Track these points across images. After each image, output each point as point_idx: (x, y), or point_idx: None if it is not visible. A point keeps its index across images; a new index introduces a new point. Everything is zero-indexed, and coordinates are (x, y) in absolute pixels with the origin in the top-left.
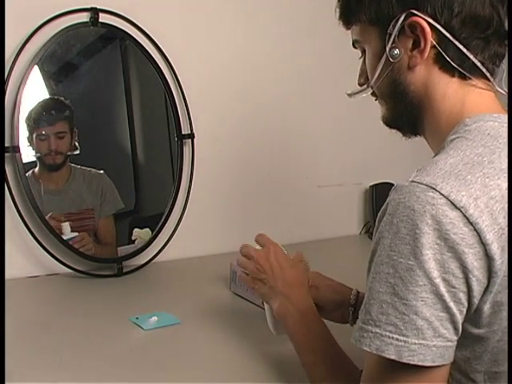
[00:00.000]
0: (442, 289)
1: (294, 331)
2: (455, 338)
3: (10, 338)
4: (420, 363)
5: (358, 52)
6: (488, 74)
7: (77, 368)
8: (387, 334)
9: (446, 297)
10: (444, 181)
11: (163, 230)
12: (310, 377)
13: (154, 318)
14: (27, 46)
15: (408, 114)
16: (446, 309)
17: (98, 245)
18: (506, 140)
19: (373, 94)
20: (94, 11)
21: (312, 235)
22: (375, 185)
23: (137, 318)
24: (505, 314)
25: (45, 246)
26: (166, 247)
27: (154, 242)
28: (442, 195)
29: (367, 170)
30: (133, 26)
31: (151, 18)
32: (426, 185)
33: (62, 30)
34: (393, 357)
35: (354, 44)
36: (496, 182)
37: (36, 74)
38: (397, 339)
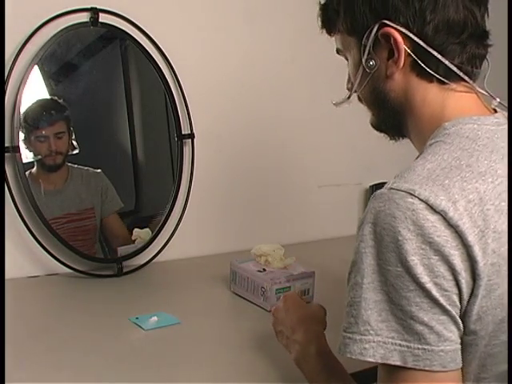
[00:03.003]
0: (436, 293)
1: (311, 379)
2: (459, 339)
3: (10, 337)
4: (427, 368)
5: None
6: (466, 77)
7: (77, 368)
8: (390, 340)
9: (442, 300)
10: (422, 186)
11: (163, 230)
12: None
13: (154, 318)
14: (27, 45)
15: (391, 119)
16: (446, 312)
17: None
18: (484, 142)
19: (359, 99)
20: (94, 11)
21: (312, 235)
22: (375, 185)
23: (137, 318)
24: (490, 318)
25: (45, 245)
26: (166, 247)
27: (154, 241)
28: (421, 200)
29: (367, 170)
30: (133, 25)
31: (151, 18)
32: (405, 191)
33: (62, 30)
34: (398, 363)
35: (338, 52)
36: (474, 186)
37: (36, 74)
38: (399, 345)
